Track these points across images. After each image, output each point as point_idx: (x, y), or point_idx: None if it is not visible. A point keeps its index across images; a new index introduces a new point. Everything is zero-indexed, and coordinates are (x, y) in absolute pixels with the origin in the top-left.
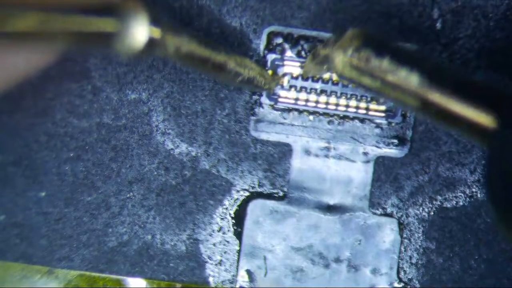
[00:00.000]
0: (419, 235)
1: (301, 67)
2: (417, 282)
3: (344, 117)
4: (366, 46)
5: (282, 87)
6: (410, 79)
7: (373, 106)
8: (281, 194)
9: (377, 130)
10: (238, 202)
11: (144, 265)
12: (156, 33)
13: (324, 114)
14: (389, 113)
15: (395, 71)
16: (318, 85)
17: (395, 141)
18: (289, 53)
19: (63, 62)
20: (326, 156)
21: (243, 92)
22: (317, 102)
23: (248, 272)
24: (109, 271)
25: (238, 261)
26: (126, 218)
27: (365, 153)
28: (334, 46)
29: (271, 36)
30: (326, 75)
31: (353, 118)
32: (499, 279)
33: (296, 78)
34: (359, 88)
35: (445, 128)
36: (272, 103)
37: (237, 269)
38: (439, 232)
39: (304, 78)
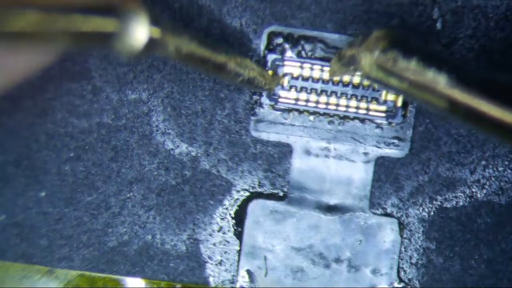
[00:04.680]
0: (419, 235)
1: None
2: (417, 282)
3: (345, 117)
4: (393, 47)
5: (283, 87)
6: (438, 79)
7: (373, 106)
8: (281, 194)
9: (378, 130)
10: (238, 202)
11: (144, 265)
12: (156, 33)
13: (325, 114)
14: (390, 113)
15: (423, 71)
16: (319, 85)
17: (395, 141)
18: (289, 53)
19: (63, 62)
20: (327, 156)
21: (243, 92)
22: (317, 102)
23: (249, 272)
24: (109, 271)
25: (238, 261)
26: (126, 218)
27: (366, 153)
28: (361, 47)
29: (272, 36)
30: (326, 76)
31: (353, 118)
32: (499, 279)
33: (297, 78)
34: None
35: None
36: (272, 103)
37: (237, 269)
38: (439, 232)
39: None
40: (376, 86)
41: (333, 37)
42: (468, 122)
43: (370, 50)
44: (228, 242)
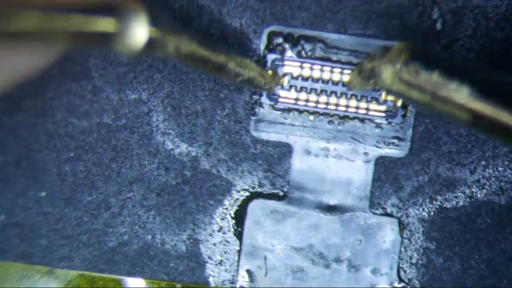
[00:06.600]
0: (419, 235)
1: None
2: (417, 282)
3: (344, 117)
4: (414, 59)
5: (282, 87)
6: (460, 92)
7: (373, 106)
8: (281, 194)
9: (377, 130)
10: (238, 202)
11: (144, 265)
12: (156, 33)
13: (325, 114)
14: (389, 113)
15: (445, 84)
16: (318, 85)
17: (395, 141)
18: (289, 53)
19: (63, 62)
20: (326, 156)
21: (243, 92)
22: (317, 102)
23: (249, 272)
24: (109, 271)
25: (238, 261)
26: (126, 218)
27: (365, 153)
28: (381, 60)
29: (271, 36)
30: (326, 75)
31: (353, 118)
32: (499, 279)
33: (296, 78)
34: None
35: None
36: (272, 103)
37: (237, 269)
38: (439, 232)
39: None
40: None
41: (333, 37)
42: (492, 135)
43: (391, 62)
44: (228, 242)
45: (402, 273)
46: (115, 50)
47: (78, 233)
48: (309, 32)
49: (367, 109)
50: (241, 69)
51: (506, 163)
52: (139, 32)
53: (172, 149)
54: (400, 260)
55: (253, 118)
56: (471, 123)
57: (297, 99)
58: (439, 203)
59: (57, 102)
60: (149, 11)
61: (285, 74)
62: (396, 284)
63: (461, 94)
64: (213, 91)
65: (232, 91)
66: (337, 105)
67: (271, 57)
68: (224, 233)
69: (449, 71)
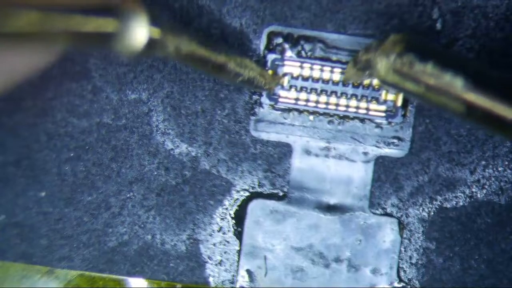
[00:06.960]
0: (419, 235)
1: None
2: (417, 282)
3: (344, 117)
4: (409, 51)
5: (282, 87)
6: (454, 83)
7: (373, 106)
8: (281, 194)
9: (377, 130)
10: (238, 202)
11: (144, 265)
12: (156, 33)
13: (324, 114)
14: (389, 113)
15: (439, 75)
16: (318, 85)
17: (395, 141)
18: (289, 53)
19: (63, 62)
20: (326, 156)
21: (243, 92)
22: (317, 102)
23: (249, 272)
24: (109, 271)
25: (238, 261)
26: (126, 218)
27: (365, 153)
28: (376, 52)
29: (271, 36)
30: (326, 75)
31: (353, 118)
32: (499, 279)
33: (296, 78)
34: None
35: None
36: (272, 103)
37: (237, 269)
38: (439, 232)
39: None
40: (373, 85)
41: (332, 37)
42: (486, 126)
43: (386, 54)
44: (228, 242)
45: (402, 273)
46: (115, 50)
47: (78, 233)
48: (309, 32)
49: (367, 109)
50: (241, 69)
51: (506, 163)
52: (139, 32)
53: (172, 149)
54: (400, 260)
55: (253, 118)
56: (465, 115)
57: (297, 99)
58: (439, 203)
59: (57, 102)
60: (149, 11)
61: (285, 74)
62: (396, 284)
63: (455, 85)
64: (213, 91)
65: (232, 91)
66: (337, 105)
67: (271, 57)
68: (224, 233)
69: (443, 63)
